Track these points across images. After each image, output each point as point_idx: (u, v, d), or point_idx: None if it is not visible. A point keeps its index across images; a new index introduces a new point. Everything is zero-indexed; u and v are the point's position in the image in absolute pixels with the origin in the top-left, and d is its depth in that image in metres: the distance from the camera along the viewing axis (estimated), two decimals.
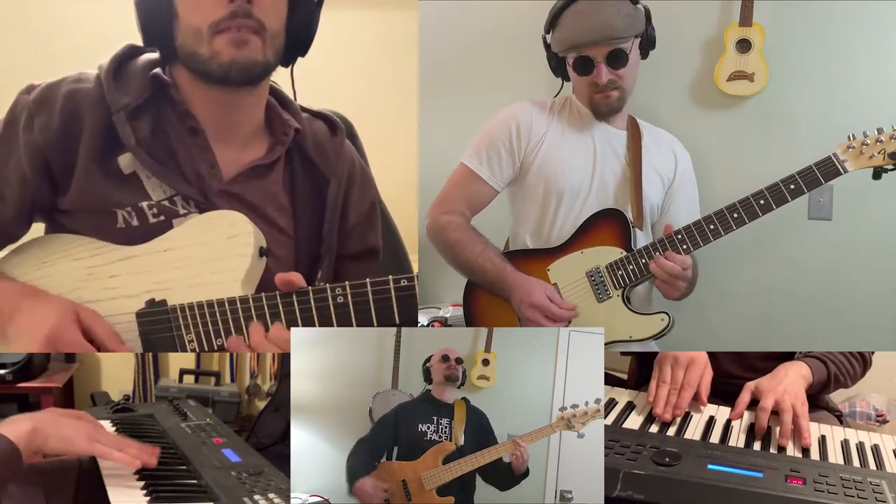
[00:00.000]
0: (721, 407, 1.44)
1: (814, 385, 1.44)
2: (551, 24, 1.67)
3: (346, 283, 1.11)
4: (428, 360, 1.23)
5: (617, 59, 1.61)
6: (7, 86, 1.22)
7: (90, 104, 1.17)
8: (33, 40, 2.57)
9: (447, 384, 1.21)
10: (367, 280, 1.10)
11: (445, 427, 1.19)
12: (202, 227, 1.20)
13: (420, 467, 1.16)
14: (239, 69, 1.15)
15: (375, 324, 1.11)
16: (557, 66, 1.73)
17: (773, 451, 1.28)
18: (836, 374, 1.48)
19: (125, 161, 1.18)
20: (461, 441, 1.18)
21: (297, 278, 1.13)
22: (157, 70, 1.23)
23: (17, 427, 1.10)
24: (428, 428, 1.19)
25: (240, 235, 1.18)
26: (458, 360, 1.22)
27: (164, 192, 1.21)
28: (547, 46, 1.72)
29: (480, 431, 1.20)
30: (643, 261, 1.58)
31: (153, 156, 1.19)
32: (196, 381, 3.02)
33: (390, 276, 1.09)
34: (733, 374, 1.54)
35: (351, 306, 1.11)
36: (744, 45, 1.91)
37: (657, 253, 1.56)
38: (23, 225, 1.25)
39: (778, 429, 1.32)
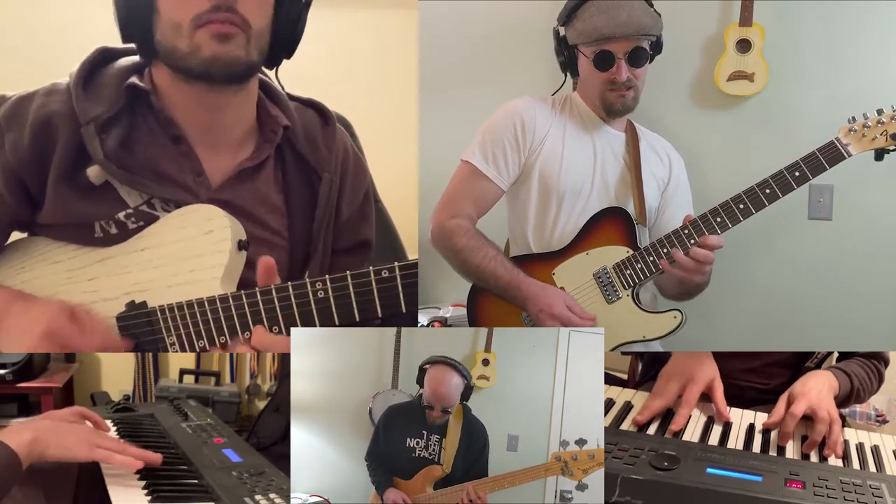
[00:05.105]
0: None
1: (838, 398, 1.42)
2: (567, 17, 1.64)
3: (327, 276, 1.07)
4: (425, 362, 1.19)
5: (638, 57, 1.60)
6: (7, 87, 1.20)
7: (62, 119, 1.13)
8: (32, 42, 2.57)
9: None
10: (348, 273, 1.06)
11: (435, 445, 1.16)
12: (177, 223, 1.16)
13: (411, 490, 1.15)
14: (221, 66, 1.11)
15: (357, 318, 1.06)
16: (568, 60, 1.69)
17: (772, 453, 1.28)
18: (857, 390, 1.46)
19: (94, 173, 1.14)
20: (451, 463, 1.15)
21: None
22: (133, 79, 1.18)
23: (18, 436, 1.10)
24: (417, 444, 1.16)
25: (216, 230, 1.14)
26: (446, 411, 1.16)
27: (141, 197, 1.17)
28: (560, 39, 1.68)
29: (471, 454, 1.16)
30: (651, 258, 1.56)
31: (125, 166, 1.14)
32: (196, 381, 3.03)
33: (370, 268, 1.05)
34: (732, 373, 1.54)
35: (332, 300, 1.06)
36: (744, 45, 1.91)
37: (664, 250, 1.54)
38: (0, 240, 1.23)
39: (776, 431, 1.32)
